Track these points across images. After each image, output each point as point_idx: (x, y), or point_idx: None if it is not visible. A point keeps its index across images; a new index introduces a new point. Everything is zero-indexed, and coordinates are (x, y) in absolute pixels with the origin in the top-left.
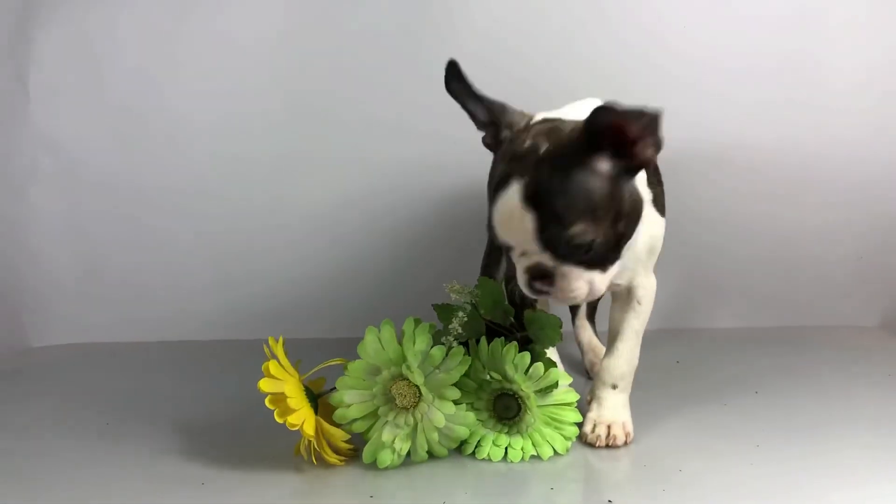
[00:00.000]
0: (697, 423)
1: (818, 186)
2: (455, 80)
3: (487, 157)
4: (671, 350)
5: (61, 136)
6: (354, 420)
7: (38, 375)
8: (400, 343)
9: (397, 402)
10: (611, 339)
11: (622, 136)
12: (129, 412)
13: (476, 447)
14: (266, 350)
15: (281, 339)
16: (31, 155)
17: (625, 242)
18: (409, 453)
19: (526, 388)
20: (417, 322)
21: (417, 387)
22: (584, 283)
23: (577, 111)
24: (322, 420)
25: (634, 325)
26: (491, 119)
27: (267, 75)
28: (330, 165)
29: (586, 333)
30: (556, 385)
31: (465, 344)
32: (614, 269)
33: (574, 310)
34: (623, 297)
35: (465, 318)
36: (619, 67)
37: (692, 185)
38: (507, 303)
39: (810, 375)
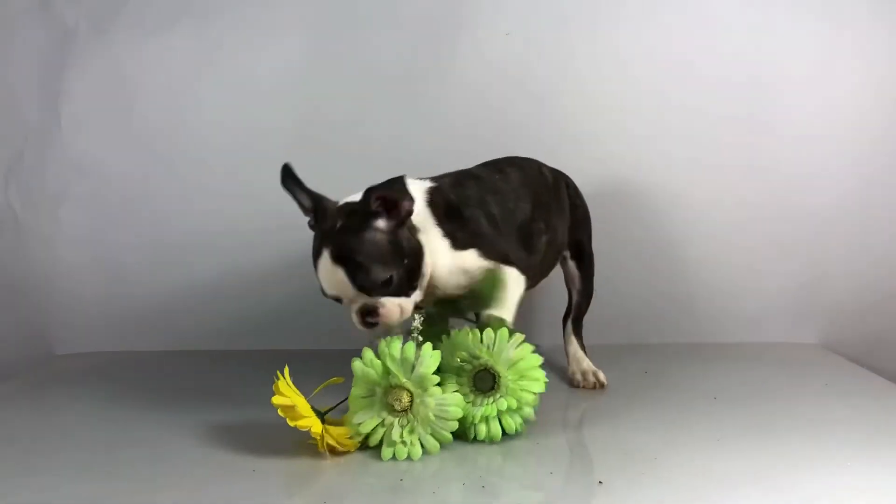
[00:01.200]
0: (668, 422)
1: (765, 223)
2: (290, 178)
3: None
4: (639, 362)
5: (90, 160)
6: (368, 436)
7: (63, 382)
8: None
9: (396, 407)
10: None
11: (385, 202)
12: (161, 416)
13: (474, 432)
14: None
15: (286, 370)
16: (62, 177)
17: (417, 274)
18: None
19: (487, 354)
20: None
21: (407, 389)
22: (397, 307)
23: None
24: (327, 426)
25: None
26: (313, 206)
27: (284, 107)
28: (344, 192)
29: (572, 346)
30: (510, 339)
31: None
32: (417, 295)
33: (564, 323)
34: None
35: (422, 324)
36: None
37: (651, 218)
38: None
39: (760, 384)
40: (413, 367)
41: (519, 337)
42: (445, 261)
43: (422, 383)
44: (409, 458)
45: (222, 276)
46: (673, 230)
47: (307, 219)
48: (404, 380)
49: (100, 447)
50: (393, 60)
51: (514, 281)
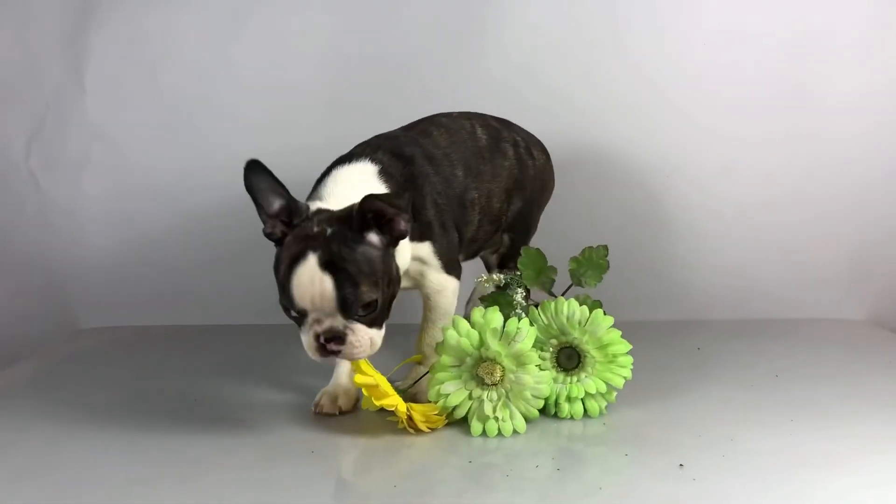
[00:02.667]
0: (735, 402)
1: (814, 197)
2: (261, 174)
3: None
4: (690, 339)
5: (113, 126)
6: (455, 408)
7: (90, 357)
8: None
9: (486, 380)
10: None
11: (382, 216)
12: (195, 392)
13: (556, 407)
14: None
15: None
16: (84, 144)
17: (391, 304)
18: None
19: (580, 332)
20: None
21: (498, 363)
22: (368, 338)
23: (339, 200)
24: (411, 404)
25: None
26: (283, 211)
27: (314, 75)
28: None
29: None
30: (602, 323)
31: None
32: (384, 330)
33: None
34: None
35: (522, 291)
36: (631, 90)
37: (703, 193)
38: (549, 267)
39: (818, 362)
40: (512, 342)
41: (610, 319)
42: (405, 253)
43: (520, 359)
44: (499, 434)
45: (251, 247)
46: (721, 204)
47: (266, 225)
48: (504, 355)
49: (136, 425)
50: (429, 20)
51: (452, 294)
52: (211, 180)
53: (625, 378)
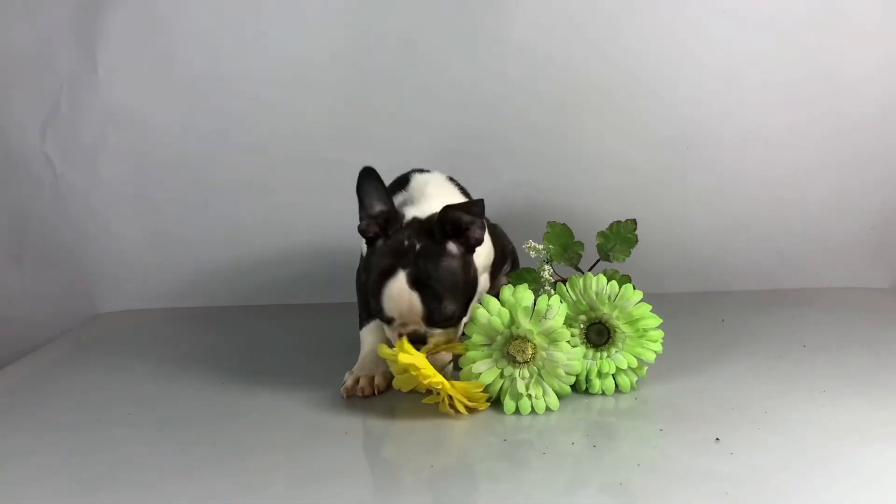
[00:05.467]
0: (766, 373)
1: (837, 167)
2: (374, 180)
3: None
4: (714, 310)
5: (128, 109)
6: (487, 385)
7: (109, 341)
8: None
9: (518, 358)
10: None
11: (458, 225)
12: (218, 375)
13: (587, 383)
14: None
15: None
16: (99, 126)
17: (469, 304)
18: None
19: (609, 308)
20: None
21: (530, 340)
22: (446, 338)
23: (432, 206)
24: (454, 381)
25: None
26: (381, 215)
27: (331, 52)
28: (392, 137)
29: None
30: (632, 298)
31: None
32: (462, 326)
33: None
34: None
35: (550, 268)
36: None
37: (725, 165)
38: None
39: (845, 331)
40: (543, 319)
41: (639, 294)
42: (482, 256)
43: (552, 336)
44: (532, 411)
45: (267, 230)
46: (744, 175)
47: (362, 223)
48: (536, 332)
49: (164, 410)
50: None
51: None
52: (227, 162)
53: (655, 352)
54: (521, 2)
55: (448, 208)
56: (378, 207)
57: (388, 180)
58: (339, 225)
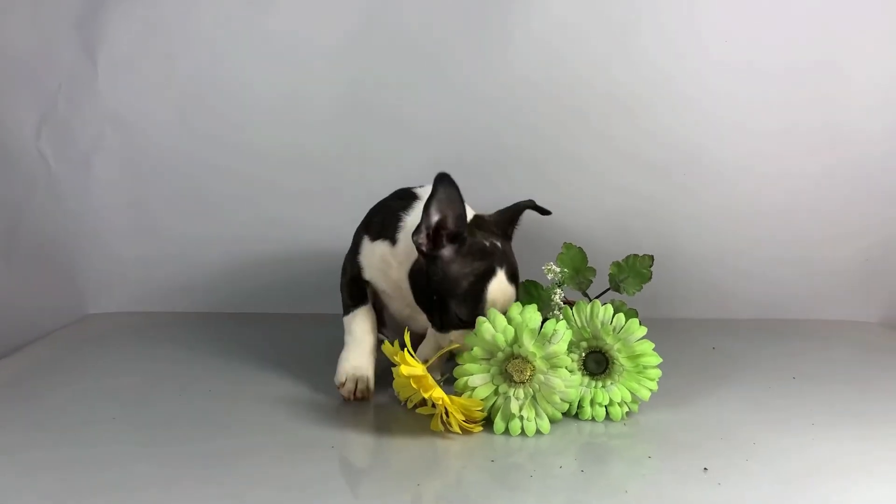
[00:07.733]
0: (755, 403)
1: (829, 199)
2: (453, 188)
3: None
4: (705, 338)
5: (126, 110)
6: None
7: (97, 342)
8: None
9: (515, 378)
10: None
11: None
12: (206, 382)
13: (578, 409)
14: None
15: (407, 336)
16: (96, 127)
17: None
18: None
19: (613, 339)
20: (522, 305)
21: (530, 362)
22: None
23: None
24: (454, 397)
25: None
26: (437, 226)
27: (331, 60)
28: (392, 144)
29: None
30: (637, 333)
31: None
32: None
33: None
34: None
35: (560, 291)
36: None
37: (719, 192)
38: (588, 268)
39: (834, 364)
40: (547, 343)
41: (643, 330)
42: None
43: (553, 361)
44: (523, 433)
45: (263, 235)
46: (737, 203)
47: (420, 234)
48: (538, 356)
49: (149, 413)
50: (446, 19)
51: None
52: (223, 165)
53: (651, 390)
54: (525, 17)
55: (529, 206)
56: (435, 218)
57: (388, 190)
58: (336, 232)
